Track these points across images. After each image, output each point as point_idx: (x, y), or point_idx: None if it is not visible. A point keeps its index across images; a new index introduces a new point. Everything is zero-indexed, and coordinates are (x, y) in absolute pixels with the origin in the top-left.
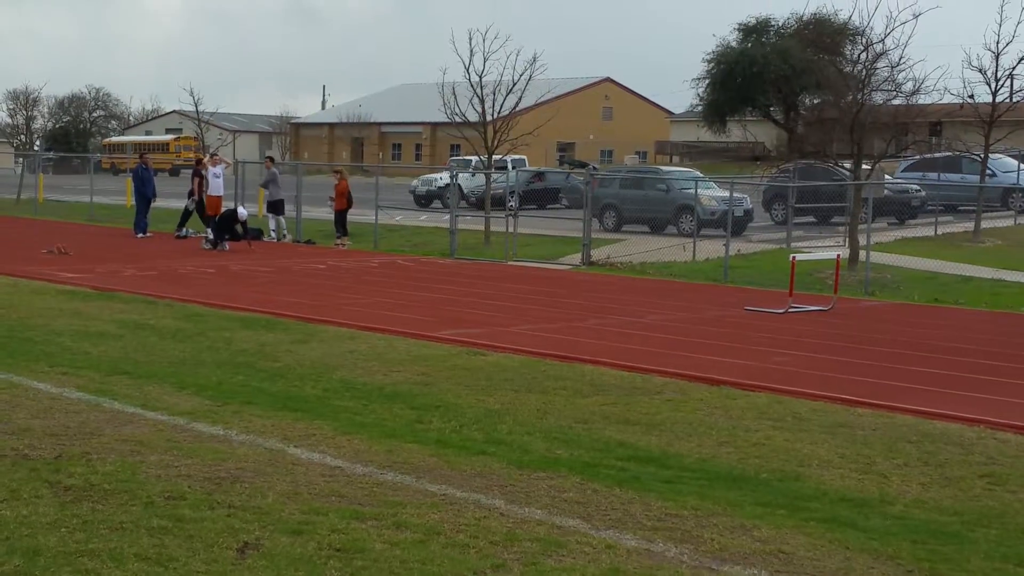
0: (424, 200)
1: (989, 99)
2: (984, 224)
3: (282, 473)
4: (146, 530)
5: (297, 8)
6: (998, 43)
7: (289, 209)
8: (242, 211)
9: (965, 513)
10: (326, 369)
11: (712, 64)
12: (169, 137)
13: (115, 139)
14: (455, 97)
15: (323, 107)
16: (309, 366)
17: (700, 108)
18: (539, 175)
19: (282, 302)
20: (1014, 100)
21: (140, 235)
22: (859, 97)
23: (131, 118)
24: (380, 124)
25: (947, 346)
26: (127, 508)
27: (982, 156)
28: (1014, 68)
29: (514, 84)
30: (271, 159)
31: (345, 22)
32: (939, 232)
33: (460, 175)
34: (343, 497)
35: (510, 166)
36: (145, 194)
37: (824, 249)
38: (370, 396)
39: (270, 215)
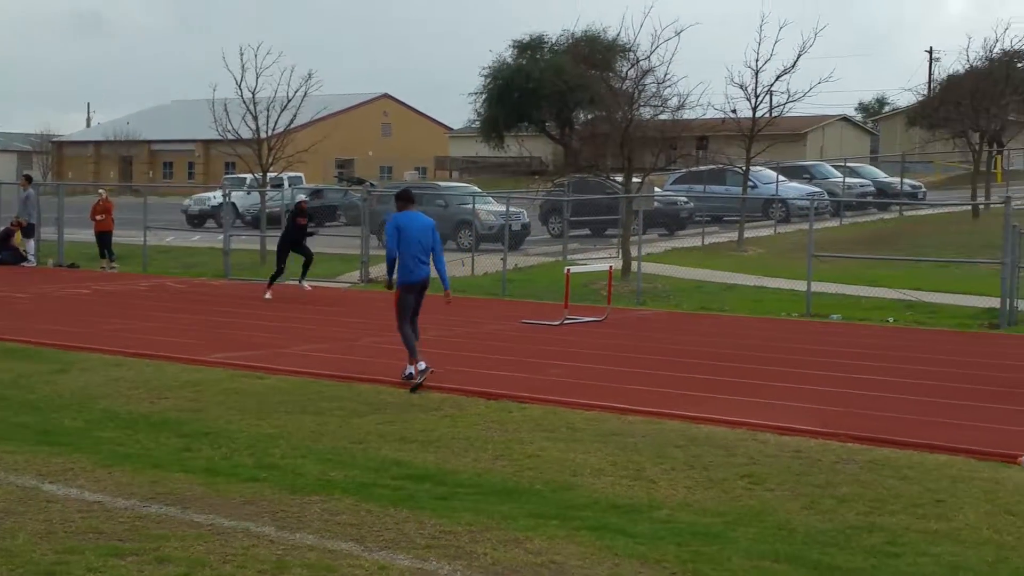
0: (197, 220)
1: (750, 114)
2: (747, 234)
3: (35, 512)
4: None
5: (77, 20)
6: (757, 61)
7: (50, 232)
8: None
9: (727, 513)
10: (88, 399)
11: (489, 80)
12: None
13: None
14: (227, 114)
15: (88, 124)
16: (69, 397)
17: (478, 123)
18: (317, 192)
19: (40, 330)
20: (773, 115)
21: None
22: (628, 112)
23: None
24: (150, 142)
25: (712, 352)
26: None
27: (744, 168)
28: (772, 85)
29: (289, 101)
30: (28, 178)
31: (122, 39)
32: (706, 242)
33: (234, 193)
34: (101, 533)
35: (286, 183)
36: None
37: (598, 261)
38: (135, 425)
39: (26, 238)
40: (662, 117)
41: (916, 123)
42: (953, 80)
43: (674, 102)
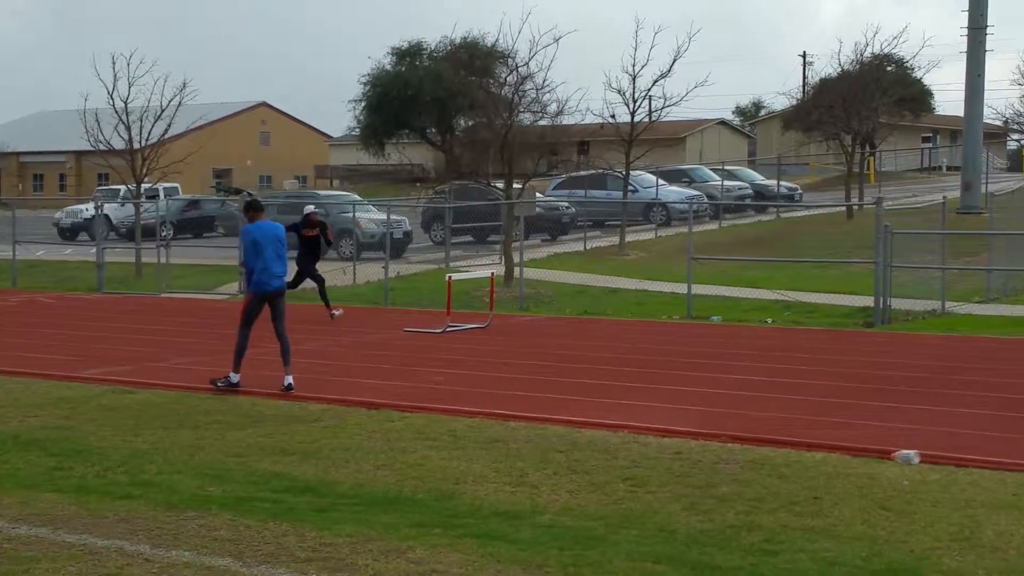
0: (69, 233)
1: (629, 119)
2: (628, 238)
3: None
4: None
5: None
6: (634, 66)
7: None
8: None
9: (609, 516)
10: None
11: (368, 87)
12: None
13: None
14: (99, 124)
15: None
16: None
17: (358, 131)
18: (193, 203)
19: None
20: (652, 119)
21: None
22: (508, 118)
23: None
24: (19, 154)
25: (595, 356)
26: None
27: (624, 173)
28: (649, 89)
29: (163, 110)
30: None
31: None
32: (588, 247)
33: (107, 205)
34: None
35: (162, 194)
36: None
37: (481, 268)
38: (3, 445)
39: None
40: (542, 123)
41: (791, 126)
42: (826, 84)
43: (553, 108)
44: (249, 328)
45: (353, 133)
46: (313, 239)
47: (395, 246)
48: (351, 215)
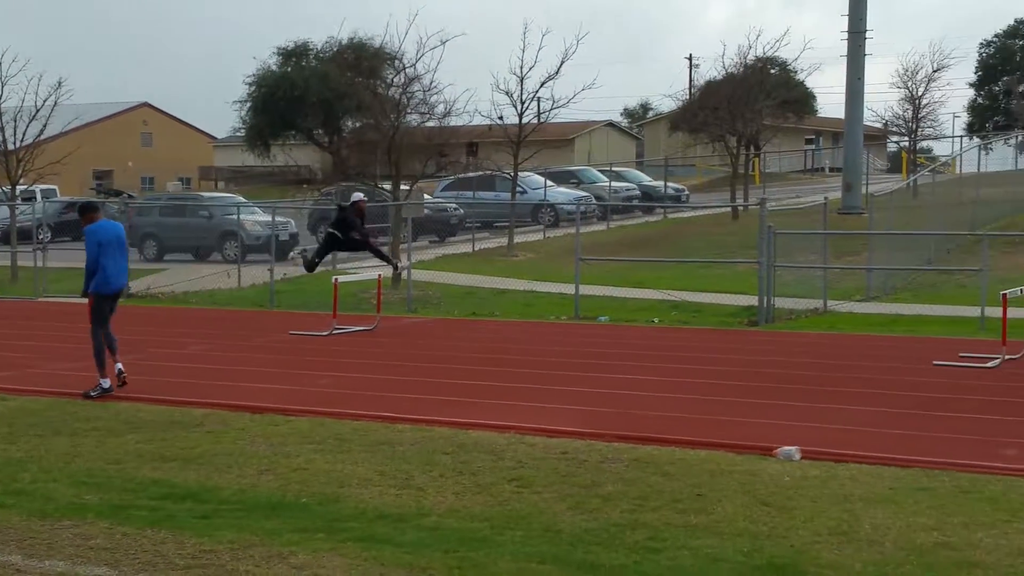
0: None
1: (517, 120)
2: (517, 239)
3: None
4: None
5: None
6: (522, 68)
7: None
8: None
9: (494, 518)
10: None
11: (253, 88)
12: None
13: None
14: None
15: None
16: None
17: (243, 132)
18: (72, 205)
19: None
20: (541, 121)
21: None
22: (395, 120)
23: None
24: None
25: (483, 357)
26: None
27: (513, 174)
28: (537, 91)
29: (37, 110)
30: None
31: None
32: (477, 248)
33: None
34: None
35: (39, 196)
36: None
37: (368, 269)
38: None
39: None
40: (429, 124)
41: (678, 128)
42: (711, 86)
43: (441, 109)
44: (101, 328)
45: (238, 134)
46: (351, 221)
47: (281, 248)
48: (236, 217)
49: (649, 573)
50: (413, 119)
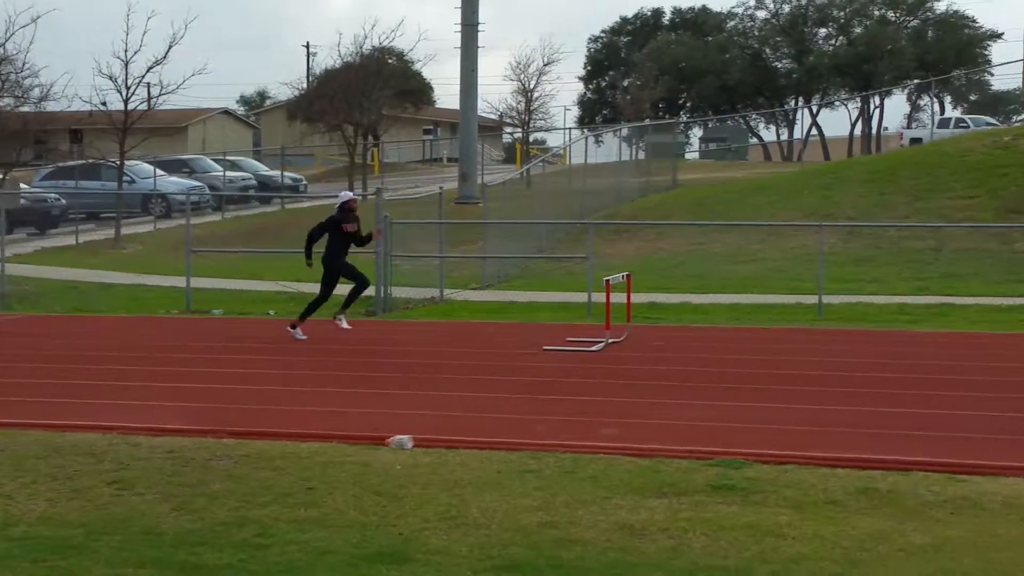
0: None
1: (122, 106)
2: (125, 231)
3: None
4: None
5: None
6: (127, 51)
7: None
8: None
9: (91, 523)
10: None
11: None
12: None
13: None
14: None
15: None
16: None
17: None
18: None
19: None
20: (150, 107)
21: None
22: None
23: None
24: None
25: (85, 355)
26: None
27: (119, 163)
28: (143, 76)
29: None
30: None
31: None
32: (81, 240)
33: None
34: None
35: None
36: None
37: None
38: None
39: None
40: (24, 109)
41: (296, 117)
42: (329, 75)
43: (36, 93)
44: None
45: None
46: (353, 234)
47: None
48: None
49: (256, 571)
50: (7, 103)
